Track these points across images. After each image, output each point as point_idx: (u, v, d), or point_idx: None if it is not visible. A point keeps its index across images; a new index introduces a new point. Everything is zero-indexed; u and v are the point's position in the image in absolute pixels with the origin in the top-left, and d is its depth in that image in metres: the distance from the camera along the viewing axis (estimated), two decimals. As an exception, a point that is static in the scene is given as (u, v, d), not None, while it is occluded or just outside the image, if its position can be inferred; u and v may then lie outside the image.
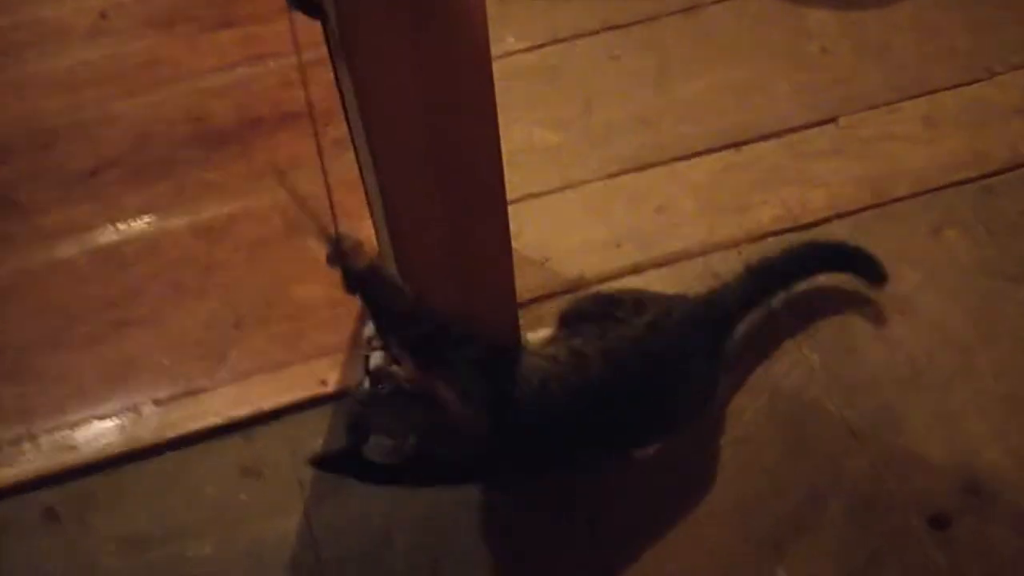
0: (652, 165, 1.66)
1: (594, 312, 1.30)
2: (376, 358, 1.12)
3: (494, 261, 1.18)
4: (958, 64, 1.74)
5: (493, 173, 1.09)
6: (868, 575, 1.24)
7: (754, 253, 1.53)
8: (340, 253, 1.10)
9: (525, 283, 1.44)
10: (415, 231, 1.12)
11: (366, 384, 1.11)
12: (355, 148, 1.29)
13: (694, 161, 1.66)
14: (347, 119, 1.24)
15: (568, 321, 1.31)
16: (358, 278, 1.12)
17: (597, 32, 1.86)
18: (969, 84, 1.72)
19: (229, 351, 1.48)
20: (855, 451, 1.33)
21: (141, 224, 1.65)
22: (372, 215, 1.52)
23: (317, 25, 1.04)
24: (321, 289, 1.54)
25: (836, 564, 1.25)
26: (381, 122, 1.02)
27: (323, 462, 1.18)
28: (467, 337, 1.15)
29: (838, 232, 1.55)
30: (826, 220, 1.57)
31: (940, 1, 1.84)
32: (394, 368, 1.10)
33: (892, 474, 1.31)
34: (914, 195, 1.58)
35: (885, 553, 1.26)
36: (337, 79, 1.17)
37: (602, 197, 1.62)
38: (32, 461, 1.40)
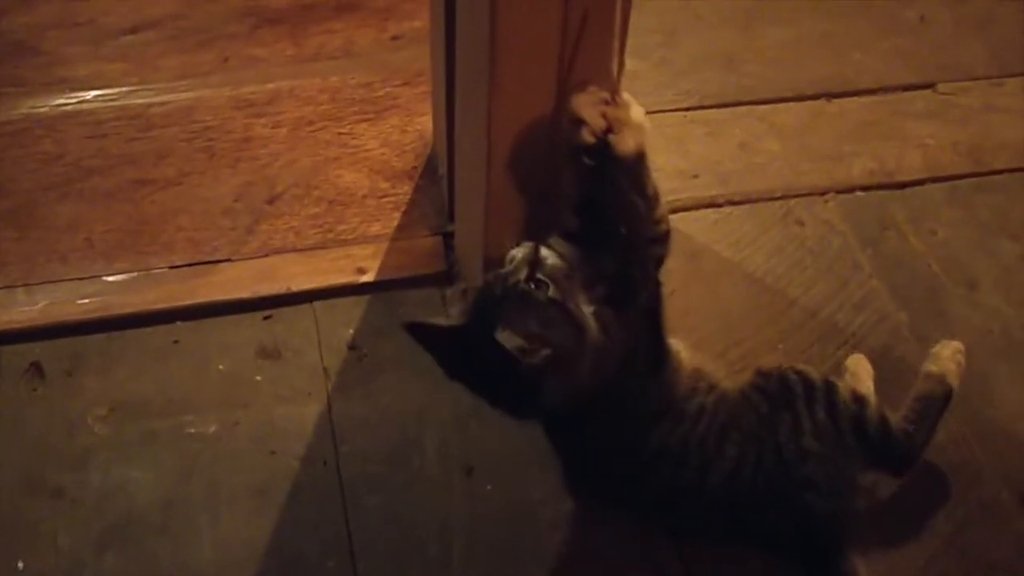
0: (735, 103, 1.53)
1: (775, 394, 1.05)
2: (552, 257, 0.96)
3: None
4: (1066, 48, 1.64)
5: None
6: (955, 543, 1.10)
7: (843, 205, 1.40)
8: (611, 123, 0.95)
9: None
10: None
11: (522, 274, 0.94)
12: (443, 35, 1.15)
13: (781, 105, 1.54)
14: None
15: (758, 383, 1.07)
16: (624, 163, 0.96)
17: (684, -33, 1.74)
18: (1076, 68, 1.61)
19: (259, 225, 1.33)
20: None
21: (176, 88, 1.51)
22: (434, 108, 1.40)
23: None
24: (366, 178, 1.40)
25: (927, 530, 1.11)
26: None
27: (416, 328, 0.99)
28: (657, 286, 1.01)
29: (933, 196, 1.43)
30: (920, 182, 1.45)
31: (1049, -16, 1.74)
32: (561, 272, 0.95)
33: (982, 446, 1.18)
34: (1015, 169, 1.47)
35: (973, 523, 1.12)
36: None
37: (680, 128, 1.50)
38: (24, 310, 1.24)
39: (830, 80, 1.57)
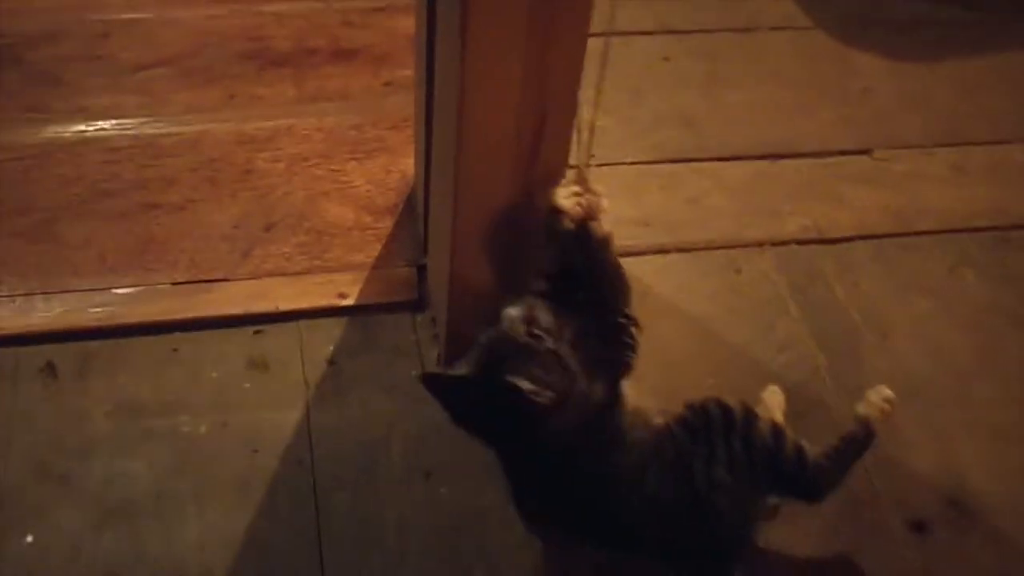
0: (689, 160, 1.70)
1: (696, 426, 1.17)
2: (544, 314, 1.10)
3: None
4: (993, 124, 1.82)
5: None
6: (845, 562, 1.26)
7: (778, 256, 1.57)
8: (587, 212, 1.11)
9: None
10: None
11: (521, 329, 1.08)
12: (420, 75, 1.32)
13: (731, 164, 1.70)
14: (421, 53, 1.28)
15: (684, 415, 1.19)
16: (600, 242, 1.13)
17: (653, 33, 1.93)
18: (1000, 143, 1.78)
19: (254, 250, 1.49)
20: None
21: (185, 121, 1.67)
22: (415, 154, 1.56)
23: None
24: (352, 212, 1.56)
25: (818, 546, 1.27)
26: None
27: (431, 380, 1.12)
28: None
29: (860, 252, 1.59)
30: (849, 239, 1.61)
31: (984, 65, 1.92)
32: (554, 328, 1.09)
33: (881, 477, 1.33)
34: (936, 232, 1.64)
35: (865, 546, 1.28)
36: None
37: (637, 180, 1.66)
38: (42, 316, 1.40)
39: (777, 143, 1.74)
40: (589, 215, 1.12)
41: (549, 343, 1.07)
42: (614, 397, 1.14)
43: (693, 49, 1.90)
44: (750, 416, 1.18)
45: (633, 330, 1.16)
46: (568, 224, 1.12)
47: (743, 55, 1.90)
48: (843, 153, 1.74)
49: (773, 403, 1.31)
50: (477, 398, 1.06)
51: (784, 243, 1.59)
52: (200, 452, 1.29)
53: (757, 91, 1.84)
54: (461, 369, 1.07)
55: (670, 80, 1.84)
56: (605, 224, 1.13)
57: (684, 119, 1.77)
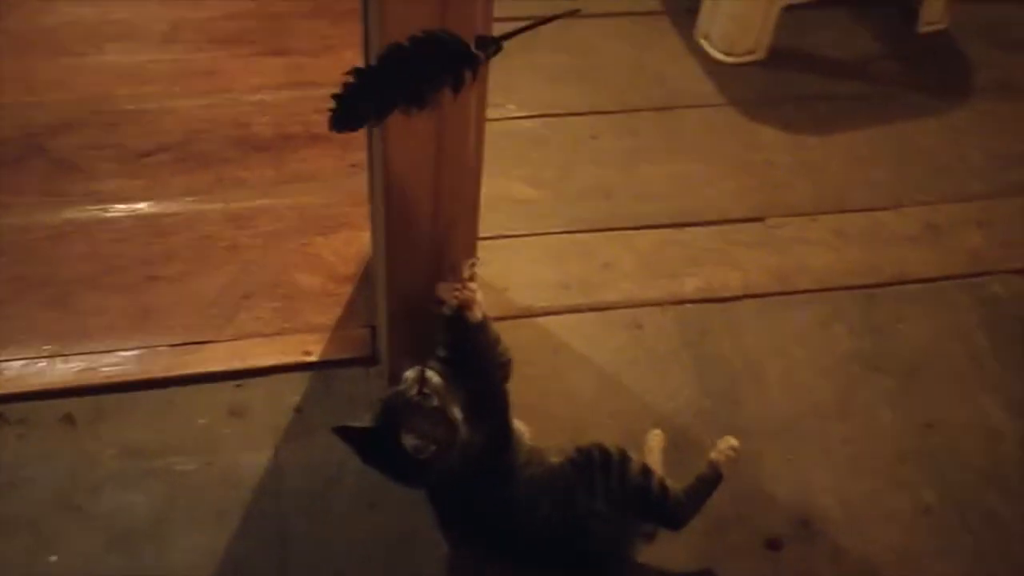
0: (607, 229, 2.00)
1: (581, 466, 1.45)
2: (435, 376, 1.34)
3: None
4: (874, 192, 2.11)
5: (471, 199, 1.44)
6: (710, 574, 1.55)
7: (675, 314, 1.87)
8: (464, 304, 1.41)
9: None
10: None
11: (414, 389, 1.32)
12: (369, 173, 1.63)
13: (642, 232, 2.00)
14: (369, 154, 1.57)
15: (573, 456, 1.47)
16: (474, 326, 1.42)
17: (584, 114, 2.23)
18: (878, 210, 2.08)
19: (237, 315, 1.80)
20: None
21: (181, 203, 1.98)
22: (372, 225, 1.86)
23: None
24: (319, 280, 1.87)
25: (688, 562, 1.56)
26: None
27: (341, 430, 1.34)
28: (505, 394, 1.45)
29: (746, 310, 1.89)
30: (738, 298, 1.91)
31: (872, 136, 2.21)
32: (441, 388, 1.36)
33: (744, 503, 1.63)
34: (814, 290, 1.93)
35: (727, 561, 1.57)
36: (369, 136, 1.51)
37: (560, 248, 1.96)
38: (60, 374, 1.71)
39: (684, 212, 2.04)
40: (464, 305, 1.42)
41: (436, 401, 1.34)
42: (502, 442, 1.44)
43: (618, 127, 2.19)
44: (625, 458, 1.48)
45: (504, 398, 1.45)
46: (446, 311, 1.43)
47: (662, 131, 2.20)
48: (740, 221, 2.03)
49: (654, 444, 1.61)
50: (378, 445, 1.35)
51: (681, 302, 1.89)
52: (190, 486, 1.60)
53: (672, 165, 2.13)
54: (365, 422, 1.37)
55: (596, 156, 2.14)
56: (478, 312, 1.43)
57: (605, 191, 2.07)
